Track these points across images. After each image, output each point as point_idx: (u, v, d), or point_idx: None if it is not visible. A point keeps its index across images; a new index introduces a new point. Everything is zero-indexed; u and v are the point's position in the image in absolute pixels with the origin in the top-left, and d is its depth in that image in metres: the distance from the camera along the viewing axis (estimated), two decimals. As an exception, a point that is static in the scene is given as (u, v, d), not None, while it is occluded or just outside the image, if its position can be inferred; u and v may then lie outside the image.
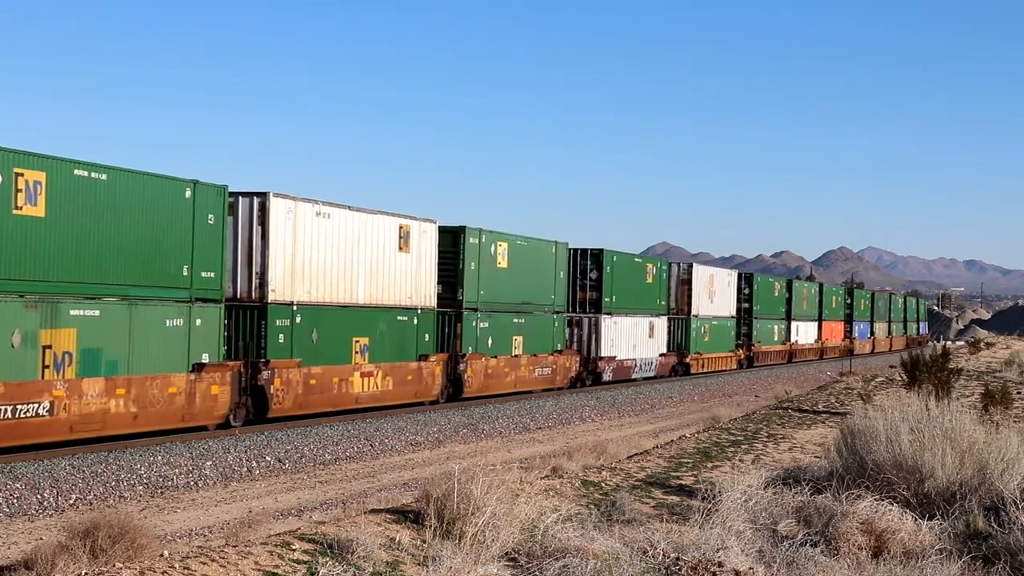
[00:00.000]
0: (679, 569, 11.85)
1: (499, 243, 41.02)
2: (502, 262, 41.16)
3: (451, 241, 38.32)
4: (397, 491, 21.67)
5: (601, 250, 49.60)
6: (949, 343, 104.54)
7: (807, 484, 15.79)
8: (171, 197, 26.23)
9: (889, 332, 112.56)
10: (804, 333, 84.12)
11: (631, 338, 52.06)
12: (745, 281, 71.88)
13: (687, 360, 59.59)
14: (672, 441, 26.15)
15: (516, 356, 42.23)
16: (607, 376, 49.84)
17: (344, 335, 32.50)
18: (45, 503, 19.89)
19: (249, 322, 29.24)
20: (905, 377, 32.33)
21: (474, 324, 39.39)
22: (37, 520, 18.87)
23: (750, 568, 11.83)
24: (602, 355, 49.26)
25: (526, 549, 12.23)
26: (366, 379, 33.33)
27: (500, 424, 34.98)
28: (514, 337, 42.14)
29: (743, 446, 24.60)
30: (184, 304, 26.62)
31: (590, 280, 49.28)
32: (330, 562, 11.26)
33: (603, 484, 18.12)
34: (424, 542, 12.43)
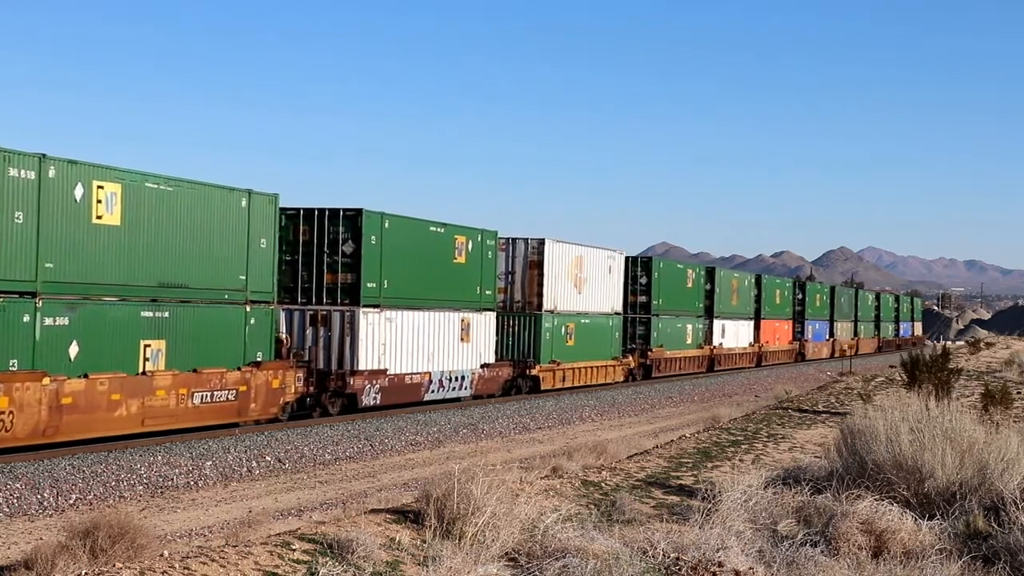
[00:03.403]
0: (679, 569, 11.85)
1: (97, 183, 24.63)
2: (107, 216, 24.88)
3: None
4: (397, 491, 21.68)
5: (359, 211, 33.36)
6: (949, 343, 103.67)
7: (807, 484, 15.79)
8: None
9: (855, 333, 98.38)
10: (733, 334, 68.75)
11: (424, 342, 36.46)
12: (642, 267, 56.38)
13: (534, 372, 43.87)
14: (672, 441, 26.15)
15: (146, 375, 25.53)
16: (369, 399, 33.76)
17: None
18: (45, 503, 19.90)
19: None
20: (905, 377, 32.35)
21: (26, 319, 22.96)
22: (37, 520, 18.88)
23: (750, 568, 11.83)
24: (359, 368, 33.27)
25: (526, 549, 12.23)
26: None
27: (500, 424, 34.99)
28: (144, 344, 25.63)
29: (743, 446, 24.60)
30: None
31: (343, 256, 33.50)
32: (330, 562, 11.26)
33: (603, 484, 18.13)
34: (424, 542, 12.43)
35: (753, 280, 74.39)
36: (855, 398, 35.02)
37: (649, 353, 55.51)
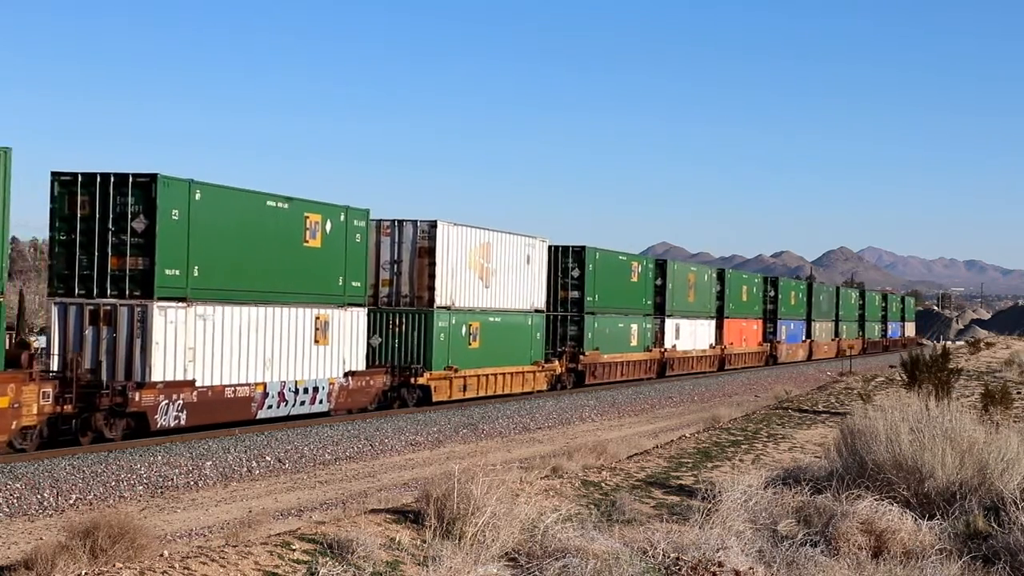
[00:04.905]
0: (679, 569, 11.85)
1: None
2: None
3: None
4: (397, 491, 21.69)
5: (152, 176, 26.21)
6: (949, 343, 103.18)
7: (807, 484, 15.80)
8: None
9: (836, 334, 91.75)
10: (690, 335, 61.30)
11: (257, 346, 29.20)
12: (573, 258, 48.47)
13: (421, 381, 36.62)
14: (672, 441, 26.17)
15: None
16: (168, 418, 26.27)
17: None
18: (45, 503, 19.91)
19: None
20: (905, 377, 32.38)
21: None
22: (37, 520, 18.89)
23: (750, 568, 11.83)
24: (152, 378, 25.94)
25: (526, 549, 12.24)
26: None
27: (500, 424, 34.99)
28: None
29: (743, 446, 24.62)
30: None
31: (133, 235, 26.15)
32: (330, 562, 11.27)
33: (603, 484, 18.14)
34: (424, 542, 12.44)
35: (714, 275, 66.62)
36: (855, 398, 35.03)
37: (581, 357, 48.03)
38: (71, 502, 20.20)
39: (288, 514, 19.82)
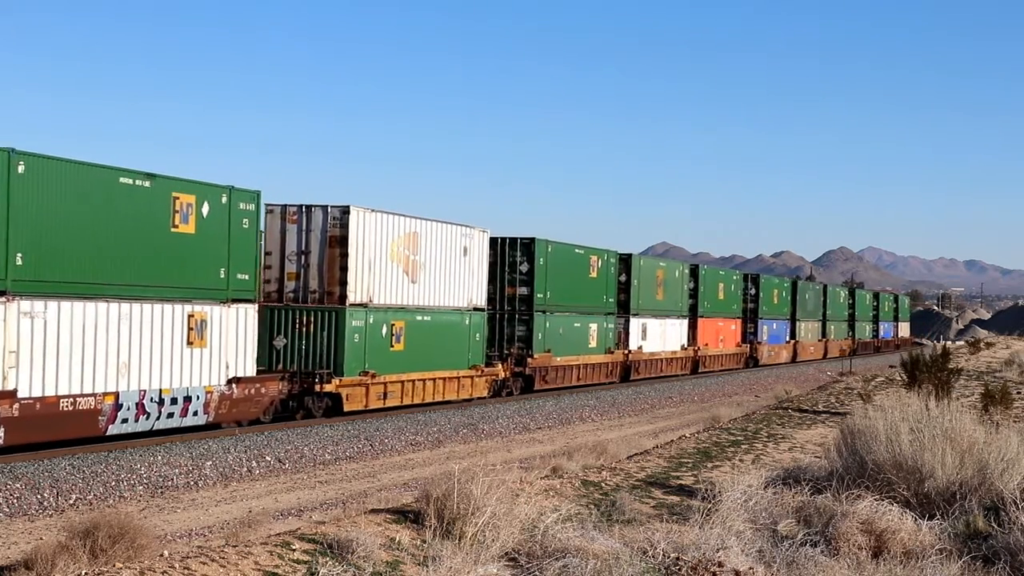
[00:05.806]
0: (679, 569, 11.85)
1: None
2: None
3: None
4: (397, 491, 21.69)
5: None
6: (949, 343, 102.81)
7: (807, 484, 15.81)
8: None
9: (823, 334, 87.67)
10: (658, 336, 56.78)
11: (107, 348, 24.31)
12: (522, 251, 43.81)
13: (328, 388, 31.78)
14: (672, 441, 26.17)
15: None
16: None
17: None
18: (45, 503, 19.92)
19: None
20: (905, 377, 32.39)
21: None
22: (37, 520, 18.91)
23: (750, 568, 11.83)
24: None
25: (526, 549, 12.24)
26: None
27: (500, 424, 34.99)
28: None
29: (743, 446, 24.62)
30: None
31: None
32: (330, 562, 11.28)
33: (603, 484, 18.14)
34: (424, 542, 12.44)
35: (687, 271, 62.05)
36: (855, 398, 35.04)
37: (529, 360, 43.29)
38: (71, 502, 20.21)
39: (288, 514, 19.83)
